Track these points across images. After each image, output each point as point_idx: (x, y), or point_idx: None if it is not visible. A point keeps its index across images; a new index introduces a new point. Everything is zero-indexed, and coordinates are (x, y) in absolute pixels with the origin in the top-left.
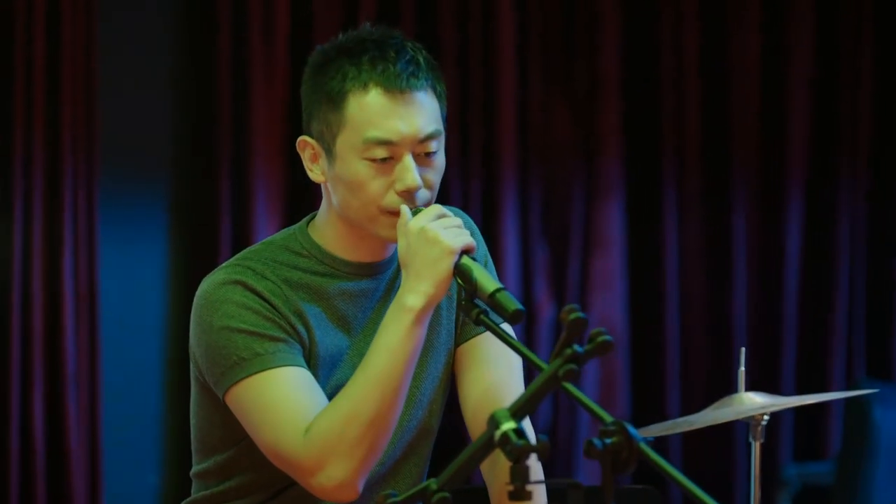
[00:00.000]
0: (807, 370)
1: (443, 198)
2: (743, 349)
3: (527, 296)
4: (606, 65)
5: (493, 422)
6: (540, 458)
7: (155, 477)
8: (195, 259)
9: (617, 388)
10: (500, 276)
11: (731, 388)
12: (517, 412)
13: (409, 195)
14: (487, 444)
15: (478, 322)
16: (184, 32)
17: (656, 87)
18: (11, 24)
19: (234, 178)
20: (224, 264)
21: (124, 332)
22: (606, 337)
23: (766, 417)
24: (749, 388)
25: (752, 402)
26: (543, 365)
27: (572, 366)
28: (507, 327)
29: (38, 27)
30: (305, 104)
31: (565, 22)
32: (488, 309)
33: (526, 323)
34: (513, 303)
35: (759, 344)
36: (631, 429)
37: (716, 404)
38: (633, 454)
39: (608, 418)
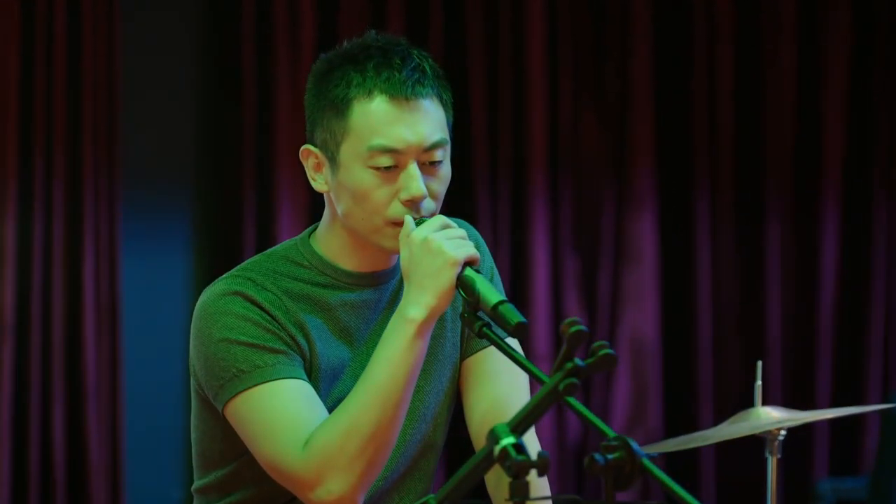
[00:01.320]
0: (842, 383)
1: (472, 209)
2: (759, 363)
3: (557, 308)
4: (638, 74)
5: (493, 436)
6: (540, 474)
7: (178, 492)
8: (219, 270)
9: (649, 401)
10: (531, 288)
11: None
12: (517, 427)
13: (413, 204)
14: (487, 459)
15: (480, 335)
16: (208, 43)
17: (689, 97)
18: (32, 33)
19: (259, 188)
20: (224, 275)
21: (146, 344)
22: (608, 350)
23: (782, 433)
24: (783, 401)
25: (769, 417)
26: (546, 378)
27: (573, 380)
28: (516, 344)
29: (59, 38)
30: (309, 113)
31: (596, 30)
32: (491, 322)
33: (556, 336)
34: (516, 315)
35: (793, 357)
36: (634, 444)
37: (732, 419)
38: (636, 470)
39: (611, 433)
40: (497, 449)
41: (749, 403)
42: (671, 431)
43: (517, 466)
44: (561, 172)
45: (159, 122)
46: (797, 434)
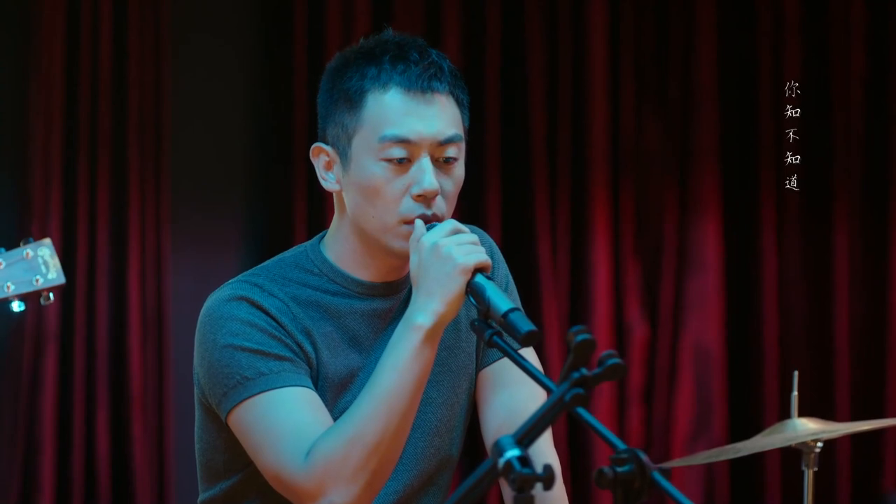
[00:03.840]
0: None
1: (531, 216)
2: (796, 373)
3: (618, 316)
4: (702, 78)
5: (497, 449)
6: (546, 488)
7: None
8: None
9: (713, 411)
10: (591, 296)
11: (830, 410)
12: (522, 439)
13: (425, 200)
14: (491, 472)
15: (490, 344)
16: (259, 46)
17: (754, 101)
18: (77, 38)
19: (310, 194)
20: (231, 280)
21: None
22: (616, 360)
23: (819, 444)
24: (851, 411)
25: (805, 429)
26: (555, 389)
27: (579, 390)
28: (532, 354)
29: (105, 44)
30: (321, 110)
31: (659, 32)
32: (502, 330)
33: (617, 344)
34: (526, 323)
35: (864, 366)
36: (644, 457)
37: (767, 430)
38: (646, 484)
39: (621, 445)
40: (501, 462)
41: (816, 411)
42: (736, 442)
43: (521, 480)
44: (622, 178)
45: (208, 126)
46: (867, 443)
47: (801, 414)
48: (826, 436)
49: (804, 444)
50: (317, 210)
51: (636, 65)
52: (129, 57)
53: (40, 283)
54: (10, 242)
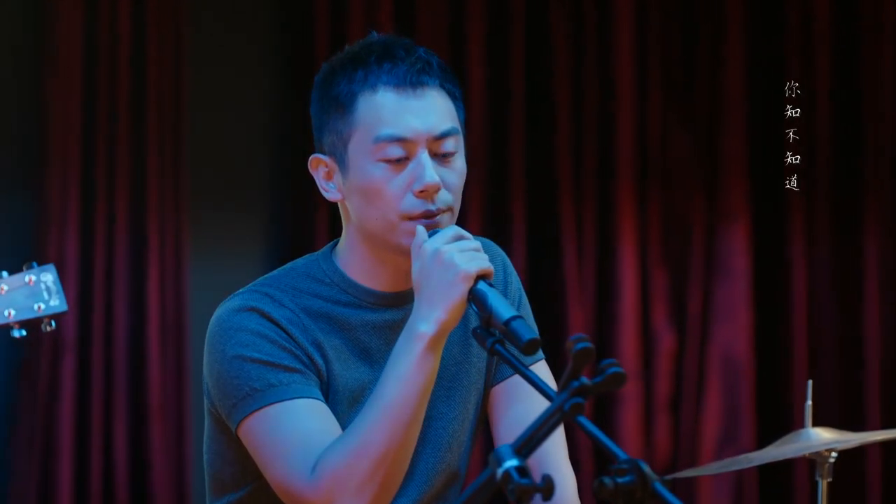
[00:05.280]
0: None
1: (557, 223)
2: (810, 382)
3: (645, 325)
4: (730, 84)
5: (496, 459)
6: (545, 498)
7: None
8: None
9: (741, 420)
10: (618, 304)
11: (860, 421)
12: (521, 448)
13: (427, 195)
14: (489, 483)
15: (491, 352)
16: (280, 45)
17: (782, 107)
18: (95, 36)
19: (334, 204)
20: (241, 290)
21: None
22: (617, 368)
23: (833, 454)
24: (884, 424)
25: (819, 438)
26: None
27: (578, 399)
28: (544, 367)
29: (124, 42)
30: (315, 121)
31: (687, 38)
32: (504, 338)
33: (644, 353)
34: (529, 331)
35: (894, 374)
36: (645, 467)
37: (780, 440)
38: (647, 495)
39: (622, 455)
40: (500, 472)
41: (847, 422)
42: None
43: (520, 490)
44: (649, 186)
45: (227, 127)
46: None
47: (827, 424)
48: (840, 446)
49: (818, 453)
50: (340, 215)
51: (663, 72)
52: (147, 58)
53: (42, 309)
54: (27, 251)
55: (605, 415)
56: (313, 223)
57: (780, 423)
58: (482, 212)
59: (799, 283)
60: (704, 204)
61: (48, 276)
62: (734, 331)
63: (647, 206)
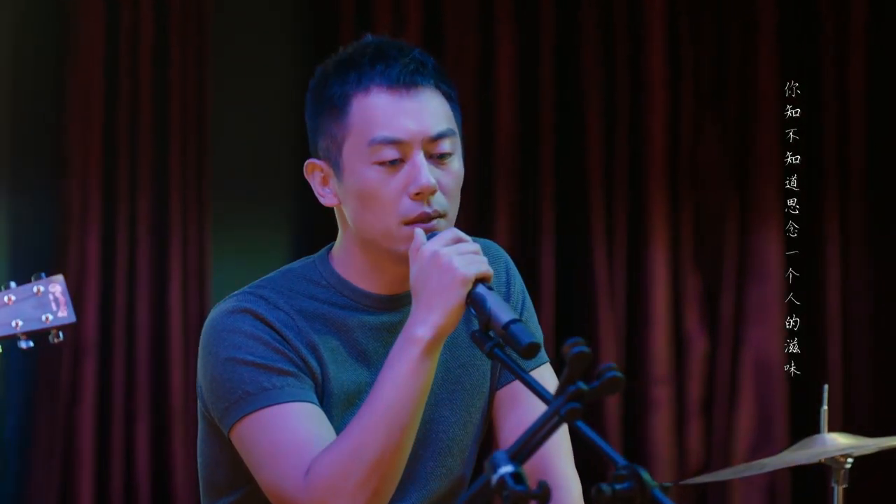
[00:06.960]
0: None
1: (587, 224)
2: (825, 387)
3: (676, 328)
4: (763, 84)
5: (491, 465)
6: None
7: None
8: None
9: (774, 425)
10: (649, 307)
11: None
12: (516, 454)
13: (423, 198)
14: (485, 490)
15: (490, 355)
16: (305, 46)
17: (817, 107)
18: (117, 37)
19: None
20: (236, 292)
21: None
22: (615, 373)
23: (849, 460)
24: None
25: (834, 444)
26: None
27: (575, 404)
28: (550, 372)
29: (146, 42)
30: (310, 124)
31: (719, 37)
32: (502, 342)
33: (676, 356)
34: (527, 335)
35: None
36: (644, 474)
37: (796, 446)
38: (646, 501)
39: (620, 461)
40: (495, 478)
41: (883, 427)
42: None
43: (515, 497)
44: (681, 187)
45: (252, 128)
46: None
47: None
48: (856, 452)
49: (833, 459)
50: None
51: (695, 72)
52: (170, 60)
53: (50, 321)
54: (48, 252)
55: (636, 419)
56: (336, 224)
57: (813, 427)
58: (511, 213)
59: (833, 284)
60: (737, 205)
61: (57, 287)
62: (767, 333)
63: (678, 206)
